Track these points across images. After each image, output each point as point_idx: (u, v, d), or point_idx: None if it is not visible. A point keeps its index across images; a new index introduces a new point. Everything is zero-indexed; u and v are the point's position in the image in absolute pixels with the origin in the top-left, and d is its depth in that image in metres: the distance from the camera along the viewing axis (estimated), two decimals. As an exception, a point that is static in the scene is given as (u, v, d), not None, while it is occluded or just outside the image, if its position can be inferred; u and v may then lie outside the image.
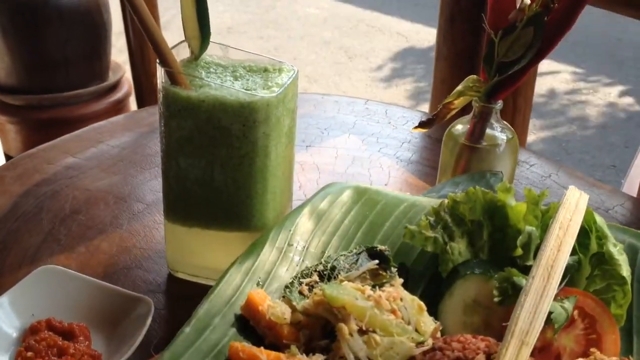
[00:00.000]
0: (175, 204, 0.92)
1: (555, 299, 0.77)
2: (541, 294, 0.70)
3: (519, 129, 1.55)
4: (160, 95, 0.85)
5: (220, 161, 0.87)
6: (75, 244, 1.04)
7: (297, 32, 5.35)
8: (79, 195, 1.15)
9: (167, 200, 0.93)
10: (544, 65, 4.50)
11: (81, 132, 1.33)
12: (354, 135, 1.41)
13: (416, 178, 1.28)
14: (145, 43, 2.39)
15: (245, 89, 0.85)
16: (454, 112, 1.04)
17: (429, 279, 0.88)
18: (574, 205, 0.77)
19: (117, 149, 1.29)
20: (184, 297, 0.95)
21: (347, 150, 1.36)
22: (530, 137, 3.75)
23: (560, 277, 0.72)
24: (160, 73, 0.85)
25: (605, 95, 4.34)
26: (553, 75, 4.59)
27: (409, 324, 0.77)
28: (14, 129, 2.51)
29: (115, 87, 2.67)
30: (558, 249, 0.73)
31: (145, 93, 2.52)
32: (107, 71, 2.65)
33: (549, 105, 4.19)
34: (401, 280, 0.82)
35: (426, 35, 5.28)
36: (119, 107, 2.63)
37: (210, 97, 0.82)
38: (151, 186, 1.19)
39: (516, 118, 1.52)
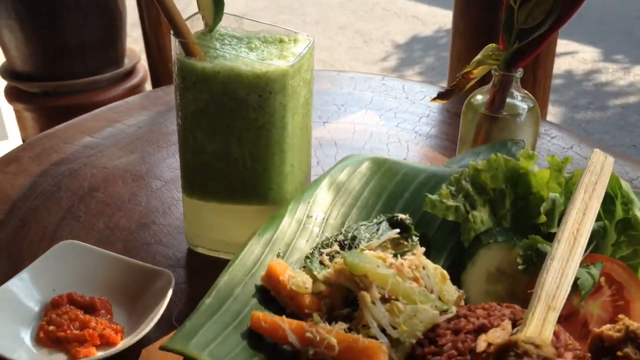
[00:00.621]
0: (193, 178, 0.92)
1: (581, 266, 0.75)
2: (567, 259, 0.69)
3: (540, 102, 1.52)
4: (174, 68, 0.84)
5: (237, 133, 0.86)
6: (95, 221, 1.03)
7: (312, 17, 5.33)
8: (97, 174, 1.15)
9: (185, 174, 0.92)
10: (562, 46, 4.45)
11: (98, 112, 1.33)
12: (371, 110, 1.40)
13: (435, 152, 1.26)
14: (160, 30, 2.39)
15: (261, 59, 0.84)
16: (473, 82, 1.02)
17: (451, 249, 0.87)
18: (599, 169, 0.75)
19: (134, 128, 1.29)
20: (204, 271, 0.94)
21: (364, 125, 1.35)
22: (549, 119, 3.71)
23: (587, 240, 0.71)
24: (174, 45, 0.84)
25: (624, 75, 4.28)
26: (571, 56, 4.54)
27: (431, 292, 0.76)
28: (31, 116, 2.52)
29: (131, 73, 2.67)
30: (584, 213, 0.72)
31: (161, 79, 2.52)
32: (122, 57, 2.64)
33: (568, 87, 4.14)
34: (423, 249, 0.81)
35: (442, 18, 5.24)
36: (135, 92, 2.62)
37: (226, 68, 0.81)
38: (169, 164, 1.18)
39: (536, 90, 1.50)
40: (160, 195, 1.10)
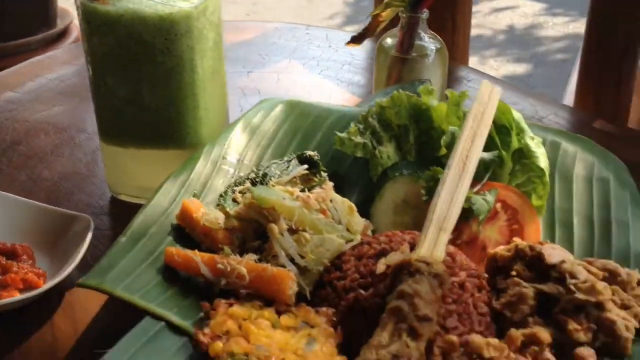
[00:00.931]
0: (109, 125, 0.93)
1: (477, 193, 0.81)
2: (457, 183, 0.73)
3: (460, 48, 1.57)
4: (79, 12, 0.85)
5: (147, 78, 0.87)
6: (17, 173, 1.05)
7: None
8: (18, 128, 1.15)
9: (100, 121, 0.94)
10: (503, 0, 4.50)
11: (19, 67, 1.32)
12: (295, 60, 1.43)
13: (357, 98, 1.30)
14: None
15: (164, 2, 0.85)
16: (383, 24, 1.05)
17: (363, 185, 0.91)
18: (487, 99, 0.80)
19: (56, 82, 1.29)
20: (127, 218, 0.96)
21: (288, 74, 1.37)
22: (493, 74, 3.78)
23: (475, 166, 0.75)
24: (77, -12, 0.85)
25: (564, 29, 4.36)
26: (512, 10, 4.59)
27: (339, 223, 0.80)
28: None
29: (64, 33, 2.62)
30: (472, 140, 0.76)
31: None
32: (54, 18, 2.59)
33: (510, 41, 4.20)
34: (331, 184, 0.85)
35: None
36: (67, 52, 2.58)
37: (129, 10, 0.82)
38: (92, 116, 1.19)
39: (457, 37, 1.54)
40: (83, 147, 1.12)
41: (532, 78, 3.79)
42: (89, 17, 0.84)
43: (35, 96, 1.24)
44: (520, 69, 3.90)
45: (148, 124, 0.91)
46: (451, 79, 1.34)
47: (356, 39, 1.08)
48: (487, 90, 0.81)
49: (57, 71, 1.33)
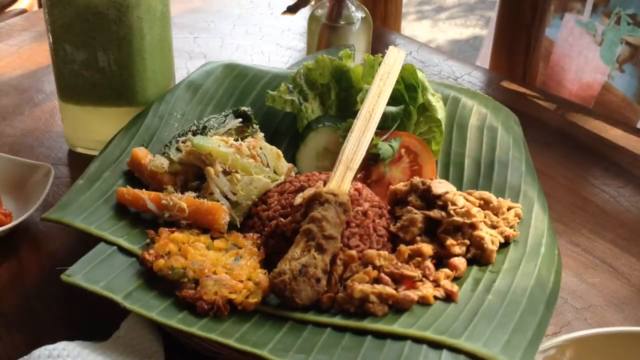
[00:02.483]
0: (68, 86, 1.05)
1: (385, 140, 0.95)
2: (364, 131, 0.88)
3: (393, 16, 1.70)
4: (41, -15, 0.96)
5: (101, 45, 1.00)
6: (-19, 130, 1.16)
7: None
8: (-18, 89, 1.26)
9: (59, 83, 1.06)
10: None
11: (-20, 34, 1.42)
12: (238, 26, 1.55)
13: (294, 61, 1.43)
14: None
15: (116, -23, 0.97)
16: (314, -5, 1.18)
17: (290, 137, 1.05)
18: (392, 62, 0.94)
19: (15, 47, 1.39)
20: (83, 167, 1.08)
21: (232, 39, 1.50)
22: (441, 38, 3.93)
23: (379, 117, 0.90)
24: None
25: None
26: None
27: (267, 166, 0.93)
28: None
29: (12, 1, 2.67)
30: (378, 96, 0.91)
31: None
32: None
33: (461, 7, 4.34)
34: (262, 134, 0.99)
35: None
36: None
37: (87, -15, 0.95)
38: (50, 78, 1.30)
39: (389, 6, 1.68)
40: (42, 106, 1.23)
41: (478, 40, 3.95)
42: (50, -10, 0.95)
43: (-4, 61, 1.35)
44: (467, 32, 4.06)
45: (103, 86, 1.03)
46: (382, 44, 1.48)
47: (291, 9, 1.22)
48: (393, 55, 0.95)
49: (17, 37, 1.43)
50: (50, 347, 0.66)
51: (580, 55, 1.43)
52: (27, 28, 1.47)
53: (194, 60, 1.40)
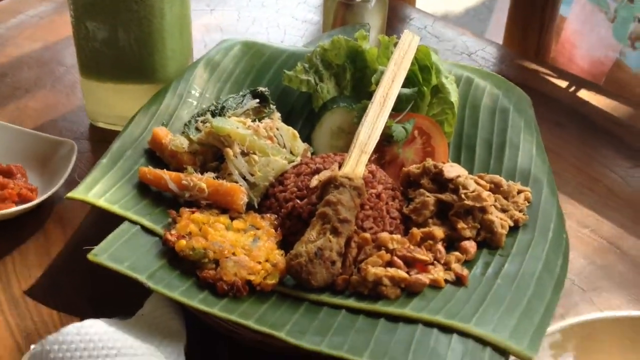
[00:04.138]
0: (89, 63, 1.08)
1: (399, 122, 0.97)
2: (378, 115, 0.90)
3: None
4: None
5: (122, 23, 1.02)
6: (6, 103, 1.19)
7: None
8: (3, 61, 1.29)
9: (81, 59, 1.08)
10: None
11: (2, 4, 1.44)
12: (254, -2, 1.56)
13: (310, 35, 1.44)
14: None
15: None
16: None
17: (306, 116, 1.07)
18: (407, 46, 0.96)
19: (36, 19, 1.41)
20: (104, 142, 1.10)
21: (248, 12, 1.51)
22: (452, 8, 3.90)
23: (394, 101, 0.92)
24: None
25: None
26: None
27: (284, 147, 0.96)
28: None
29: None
30: (392, 80, 0.93)
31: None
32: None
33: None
34: (279, 115, 1.01)
35: None
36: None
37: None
38: (70, 51, 1.33)
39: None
40: (63, 80, 1.26)
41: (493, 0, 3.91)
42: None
43: (17, 32, 1.37)
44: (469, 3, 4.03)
45: (123, 63, 1.05)
46: (397, 18, 1.49)
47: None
48: (407, 39, 0.96)
49: (37, 8, 1.45)
50: (77, 324, 0.70)
51: (592, 33, 1.44)
52: (47, -1, 1.49)
53: (211, 33, 1.42)
